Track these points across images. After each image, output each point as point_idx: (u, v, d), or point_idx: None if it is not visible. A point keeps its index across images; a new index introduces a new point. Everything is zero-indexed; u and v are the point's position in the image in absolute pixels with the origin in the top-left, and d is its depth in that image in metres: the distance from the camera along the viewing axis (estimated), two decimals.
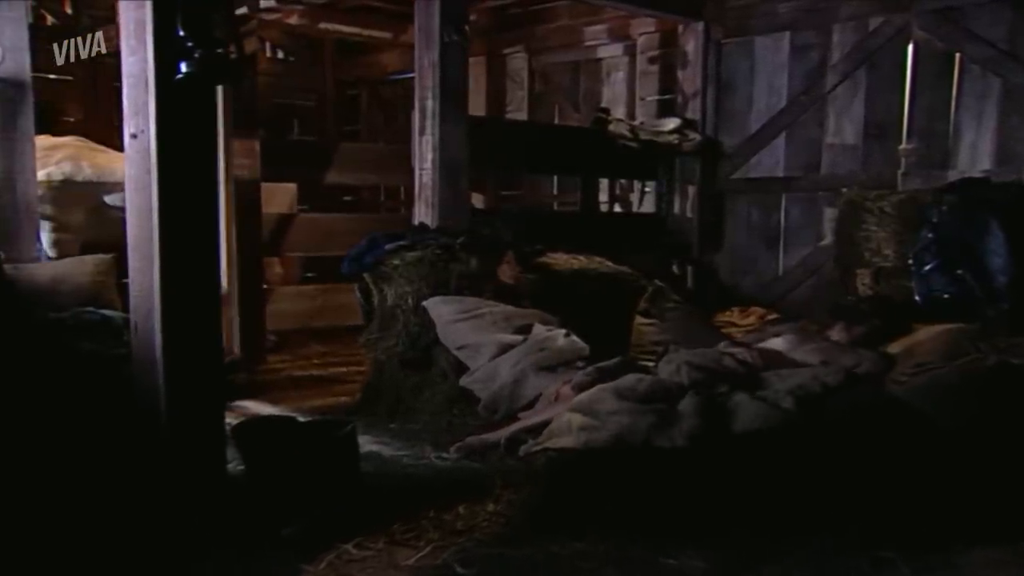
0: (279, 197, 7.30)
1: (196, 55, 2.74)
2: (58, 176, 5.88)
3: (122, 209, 3.00)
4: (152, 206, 2.84)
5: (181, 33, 2.75)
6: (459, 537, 2.86)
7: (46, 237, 5.98)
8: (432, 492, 3.29)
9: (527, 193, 8.24)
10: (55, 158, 5.99)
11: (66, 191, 5.86)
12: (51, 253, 5.86)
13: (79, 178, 5.87)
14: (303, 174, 7.12)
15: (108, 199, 5.75)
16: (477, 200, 8.10)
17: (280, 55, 8.93)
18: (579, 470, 3.11)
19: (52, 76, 7.01)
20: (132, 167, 2.90)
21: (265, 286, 7.04)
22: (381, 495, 3.23)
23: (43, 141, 6.22)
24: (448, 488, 3.34)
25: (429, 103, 5.23)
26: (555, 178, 8.01)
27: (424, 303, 4.72)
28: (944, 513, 2.93)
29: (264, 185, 6.68)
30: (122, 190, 3.11)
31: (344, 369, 6.12)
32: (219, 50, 2.80)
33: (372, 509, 3.01)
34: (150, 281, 2.88)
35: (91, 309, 3.64)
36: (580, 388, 3.98)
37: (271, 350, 6.93)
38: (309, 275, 7.65)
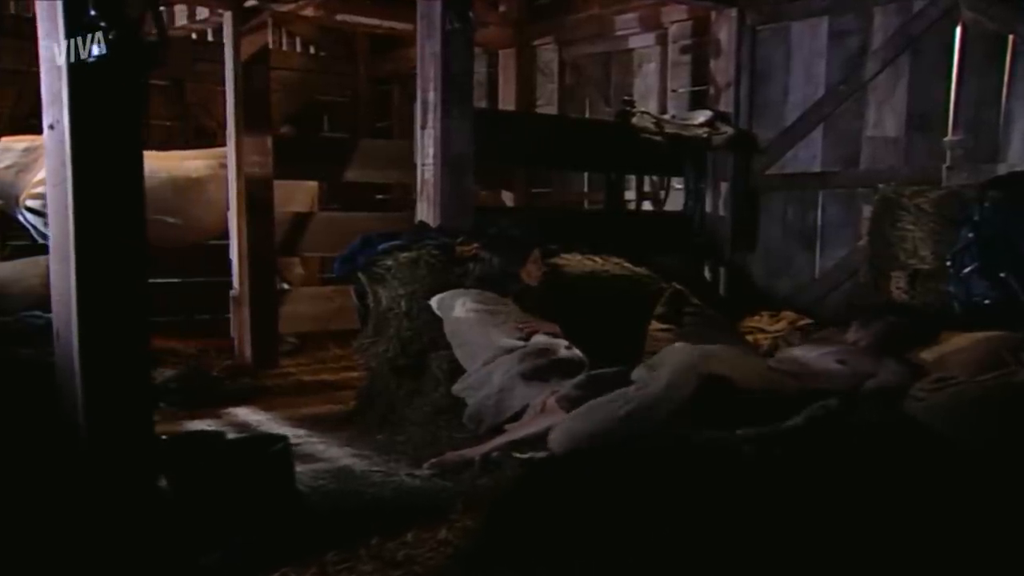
0: (299, 195, 7.13)
1: (109, 37, 2.52)
2: None
3: None
4: (67, 203, 2.63)
5: (93, 14, 2.53)
6: (396, 570, 2.57)
7: None
8: (386, 515, 3.02)
9: (557, 191, 7.90)
10: None
11: None
12: None
13: None
14: (322, 171, 6.92)
15: None
16: (507, 198, 7.84)
17: (311, 50, 8.79)
18: (537, 492, 2.79)
19: None
20: (50, 160, 2.69)
21: (286, 287, 6.88)
22: (325, 518, 2.96)
23: None
24: (404, 511, 3.05)
25: (431, 95, 4.95)
26: (585, 175, 7.66)
27: (432, 299, 4.45)
28: (956, 553, 2.55)
29: (283, 183, 6.50)
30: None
31: (355, 374, 5.87)
32: (135, 32, 2.58)
33: (309, 535, 2.74)
34: (68, 284, 2.67)
35: (37, 313, 3.46)
36: (568, 400, 3.68)
37: (289, 353, 6.75)
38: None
